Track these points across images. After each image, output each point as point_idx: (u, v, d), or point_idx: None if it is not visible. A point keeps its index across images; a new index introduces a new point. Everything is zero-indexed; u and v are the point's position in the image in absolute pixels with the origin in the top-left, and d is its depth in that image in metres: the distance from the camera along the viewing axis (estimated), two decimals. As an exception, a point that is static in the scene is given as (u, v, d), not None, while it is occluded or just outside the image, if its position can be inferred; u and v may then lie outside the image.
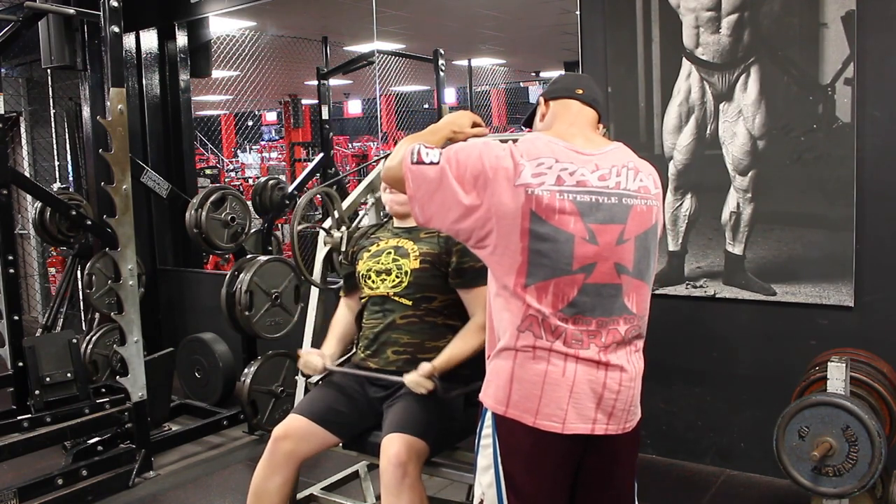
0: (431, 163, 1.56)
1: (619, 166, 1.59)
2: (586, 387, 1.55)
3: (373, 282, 2.26)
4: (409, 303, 2.21)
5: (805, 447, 2.20)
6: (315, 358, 2.30)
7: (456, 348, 2.13)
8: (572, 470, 1.62)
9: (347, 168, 11.06)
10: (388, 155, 1.72)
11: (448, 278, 2.21)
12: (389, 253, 2.27)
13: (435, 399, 2.15)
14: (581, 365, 1.54)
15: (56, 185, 5.43)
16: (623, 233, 1.55)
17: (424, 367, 2.06)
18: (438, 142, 1.76)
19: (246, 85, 8.85)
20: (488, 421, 1.62)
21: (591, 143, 1.63)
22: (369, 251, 2.33)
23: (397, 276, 2.22)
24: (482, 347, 2.04)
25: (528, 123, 1.82)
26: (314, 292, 2.65)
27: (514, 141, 1.60)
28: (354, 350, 2.38)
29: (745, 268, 3.04)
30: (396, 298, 2.22)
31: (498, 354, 1.61)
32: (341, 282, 2.50)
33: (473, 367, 2.11)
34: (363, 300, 2.33)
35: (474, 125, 1.87)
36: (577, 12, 3.41)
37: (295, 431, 2.19)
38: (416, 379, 2.06)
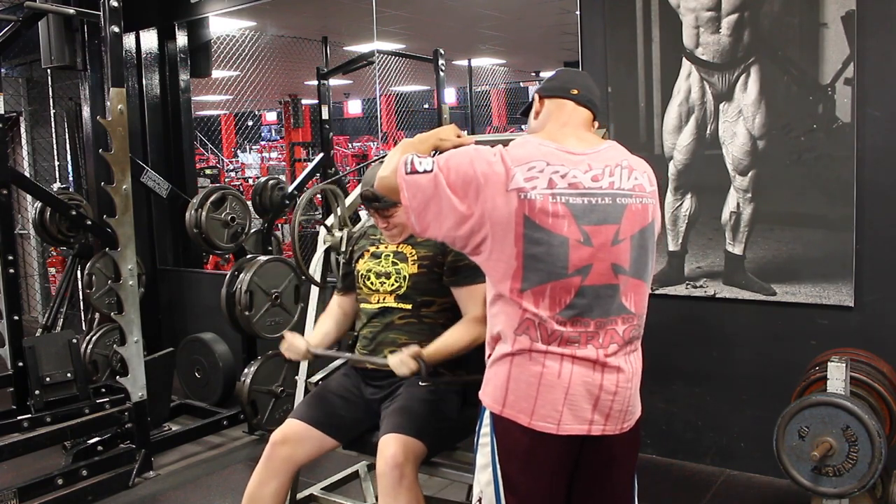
0: (425, 171, 1.57)
1: (612, 165, 1.58)
2: (582, 388, 1.55)
3: (371, 283, 2.26)
4: (409, 306, 2.22)
5: (805, 447, 2.20)
6: (299, 340, 2.27)
7: (449, 338, 2.09)
8: (569, 469, 1.63)
9: (347, 168, 11.07)
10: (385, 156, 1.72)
11: (443, 277, 2.21)
12: (389, 256, 2.28)
13: (432, 399, 2.15)
14: (577, 366, 1.55)
15: (56, 185, 5.43)
16: (618, 233, 1.55)
17: (411, 347, 2.02)
18: (426, 150, 1.77)
19: (246, 85, 8.84)
20: (486, 420, 1.63)
21: (584, 142, 1.63)
22: (369, 251, 2.33)
23: (396, 281, 2.23)
24: (475, 343, 2.04)
25: (526, 114, 1.83)
26: (314, 292, 2.65)
27: (505, 145, 1.59)
28: (353, 351, 2.38)
29: (745, 268, 3.04)
30: (395, 304, 2.23)
31: (496, 360, 1.61)
32: (338, 280, 2.50)
33: (466, 361, 2.11)
34: (360, 304, 2.32)
35: (458, 136, 1.87)
36: (577, 12, 3.41)
37: (293, 436, 2.18)
38: (401, 358, 2.00)
